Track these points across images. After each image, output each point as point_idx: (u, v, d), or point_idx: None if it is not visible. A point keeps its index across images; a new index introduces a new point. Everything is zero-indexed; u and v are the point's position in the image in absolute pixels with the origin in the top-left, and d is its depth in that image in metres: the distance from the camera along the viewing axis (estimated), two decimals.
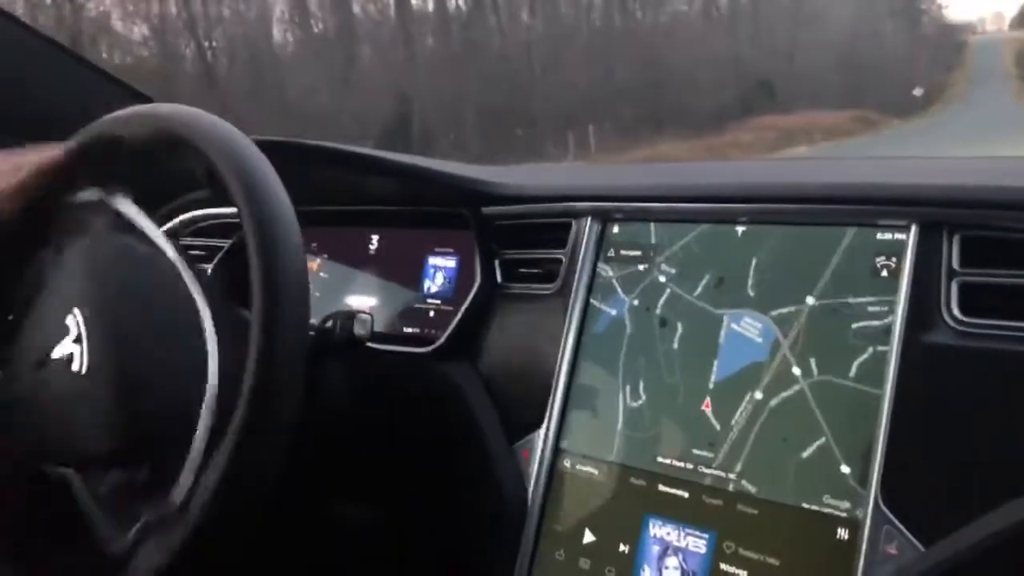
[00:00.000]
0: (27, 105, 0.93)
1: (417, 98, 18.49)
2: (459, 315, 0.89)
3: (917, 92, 28.44)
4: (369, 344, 0.82)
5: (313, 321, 0.78)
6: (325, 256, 1.05)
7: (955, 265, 0.64)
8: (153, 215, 1.14)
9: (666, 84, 24.12)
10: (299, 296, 0.59)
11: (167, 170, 1.14)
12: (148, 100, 0.97)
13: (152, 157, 0.82)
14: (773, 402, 0.70)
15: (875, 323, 0.67)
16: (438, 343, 0.89)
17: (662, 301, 0.78)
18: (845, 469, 0.65)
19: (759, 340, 0.72)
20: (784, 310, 0.72)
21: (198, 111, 0.66)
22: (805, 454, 0.67)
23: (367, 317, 0.78)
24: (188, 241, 1.14)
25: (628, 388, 0.77)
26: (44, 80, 0.95)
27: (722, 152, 18.39)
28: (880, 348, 0.66)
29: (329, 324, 0.82)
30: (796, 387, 0.69)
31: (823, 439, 0.67)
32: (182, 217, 1.13)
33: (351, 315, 0.78)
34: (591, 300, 0.82)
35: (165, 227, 1.15)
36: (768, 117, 23.66)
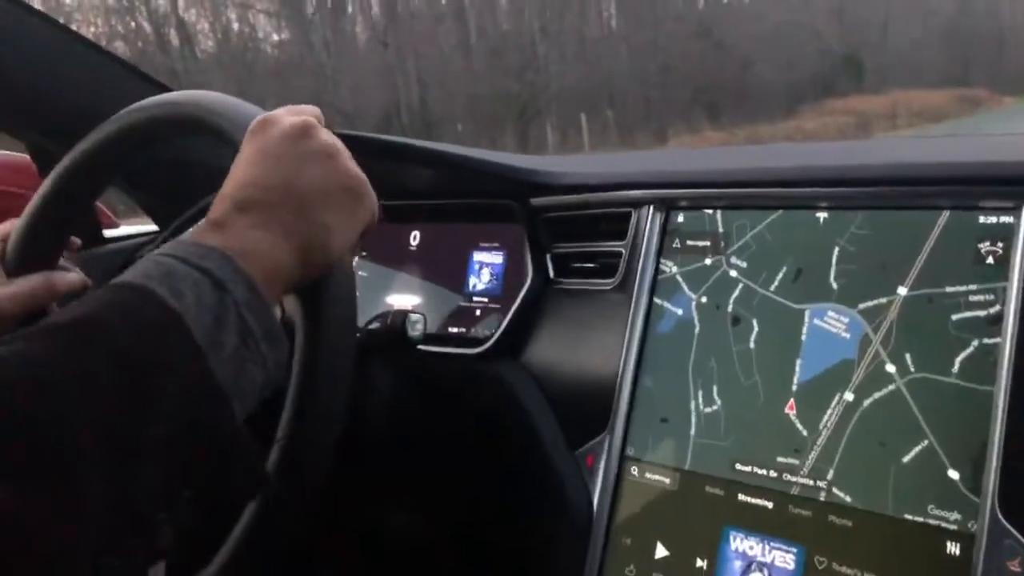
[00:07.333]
0: (53, 100, 0.89)
1: (404, 87, 17.62)
2: (510, 313, 0.84)
3: None
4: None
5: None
6: (364, 254, 1.00)
7: None
8: (186, 210, 1.11)
9: (720, 62, 21.29)
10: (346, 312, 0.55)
11: (204, 166, 1.10)
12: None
13: (173, 143, 0.77)
14: (866, 403, 0.64)
15: (979, 313, 0.61)
16: (489, 343, 0.84)
17: (734, 297, 0.72)
18: (953, 475, 0.59)
19: (846, 336, 0.66)
20: (872, 303, 0.66)
21: (226, 96, 0.62)
22: (906, 459, 0.61)
23: (419, 317, 0.73)
24: None
25: (700, 393, 0.71)
26: (67, 74, 0.90)
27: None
28: (987, 341, 0.60)
29: (376, 325, 0.77)
30: (891, 386, 0.63)
31: (925, 442, 0.61)
32: None
33: (402, 315, 0.73)
34: (654, 298, 0.76)
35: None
36: (850, 99, 20.12)
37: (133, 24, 15.99)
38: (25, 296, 0.63)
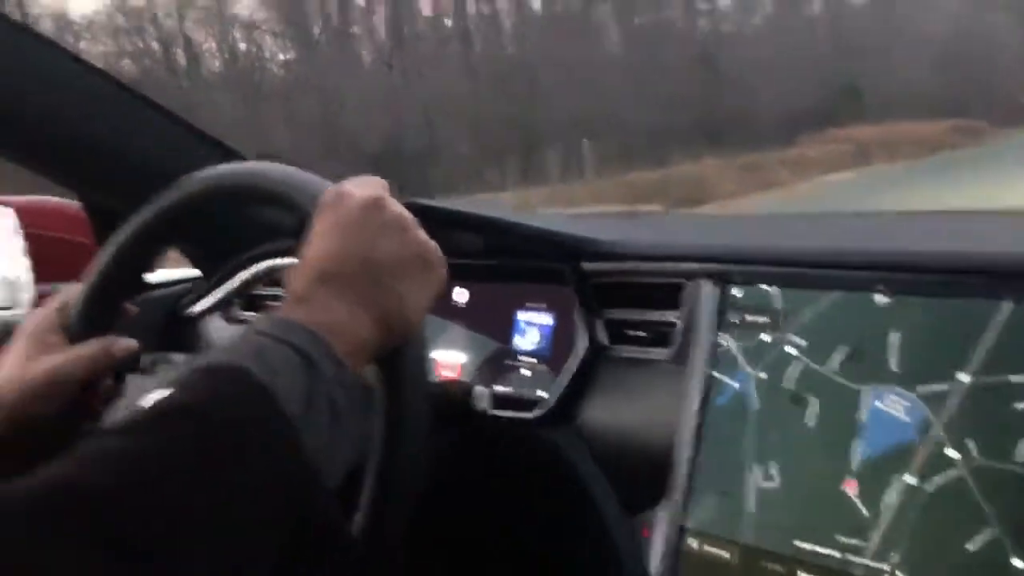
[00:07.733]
0: (117, 161, 0.91)
1: (408, 109, 17.73)
2: (567, 380, 0.85)
3: None
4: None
5: None
6: None
7: None
8: (230, 262, 1.12)
9: (722, 90, 21.63)
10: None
11: (248, 217, 1.11)
12: (239, 156, 0.94)
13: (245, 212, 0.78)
14: (928, 488, 0.65)
15: None
16: (545, 410, 0.85)
17: (793, 374, 0.74)
18: (1019, 564, 0.60)
19: (906, 419, 0.67)
20: (934, 387, 0.67)
21: (292, 168, 0.64)
22: (971, 547, 0.62)
23: (483, 392, 0.74)
24: (267, 291, 1.11)
25: (759, 469, 0.73)
26: (133, 135, 0.92)
27: (770, 172, 15.91)
28: None
29: (435, 391, 0.78)
30: (954, 472, 0.64)
31: (991, 531, 0.62)
32: (260, 266, 1.10)
33: (467, 388, 0.74)
34: (712, 371, 0.78)
35: (243, 275, 1.12)
36: (849, 128, 20.51)
37: (141, 43, 16.14)
38: (87, 361, 0.65)
